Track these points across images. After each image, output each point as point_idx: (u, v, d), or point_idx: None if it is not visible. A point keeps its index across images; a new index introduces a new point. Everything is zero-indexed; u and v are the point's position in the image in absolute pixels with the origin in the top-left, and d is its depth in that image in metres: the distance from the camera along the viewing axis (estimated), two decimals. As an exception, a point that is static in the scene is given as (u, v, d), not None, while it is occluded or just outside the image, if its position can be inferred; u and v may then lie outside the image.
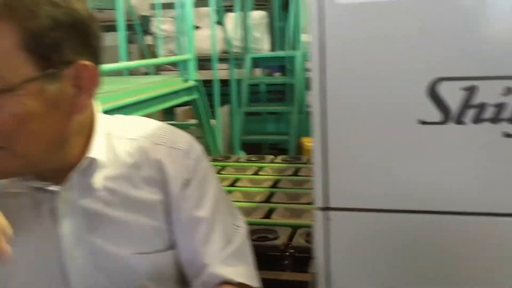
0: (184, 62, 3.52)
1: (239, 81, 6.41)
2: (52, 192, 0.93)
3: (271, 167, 3.19)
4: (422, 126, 1.13)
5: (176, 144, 1.04)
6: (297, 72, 5.81)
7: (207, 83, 4.73)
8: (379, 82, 1.15)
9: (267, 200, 2.59)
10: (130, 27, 4.89)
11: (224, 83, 6.13)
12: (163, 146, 1.02)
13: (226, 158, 3.30)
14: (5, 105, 0.80)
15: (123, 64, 3.02)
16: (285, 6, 6.71)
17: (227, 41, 4.99)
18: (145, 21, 4.53)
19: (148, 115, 4.90)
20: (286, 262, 1.97)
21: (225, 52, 6.10)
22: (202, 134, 4.27)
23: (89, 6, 0.91)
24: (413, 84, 1.13)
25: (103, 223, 0.96)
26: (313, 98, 1.19)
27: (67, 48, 0.85)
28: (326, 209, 1.22)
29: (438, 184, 1.15)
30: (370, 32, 1.14)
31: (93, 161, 0.95)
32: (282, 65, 6.64)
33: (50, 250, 0.94)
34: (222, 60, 6.78)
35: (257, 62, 7.17)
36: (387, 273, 1.23)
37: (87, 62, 0.88)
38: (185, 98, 3.48)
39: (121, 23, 3.28)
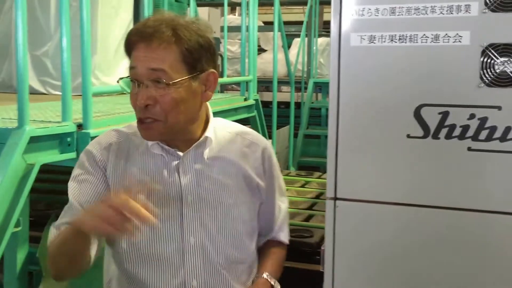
0: (246, 82, 3.97)
1: (299, 104, 6.72)
2: (177, 156, 1.43)
3: (317, 182, 3.58)
4: (408, 139, 1.52)
5: (257, 141, 1.58)
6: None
7: (270, 104, 5.11)
8: (379, 106, 1.54)
9: (309, 208, 2.99)
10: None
11: (286, 105, 6.47)
12: (248, 140, 1.56)
13: None
14: (169, 93, 1.31)
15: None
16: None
17: (287, 64, 5.40)
18: (216, 42, 5.02)
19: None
20: (318, 257, 2.33)
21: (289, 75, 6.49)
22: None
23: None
24: (404, 108, 1.51)
25: (207, 181, 1.45)
26: (330, 118, 1.59)
27: (204, 61, 1.37)
28: (335, 199, 1.61)
29: (418, 183, 1.52)
30: (374, 67, 1.54)
31: (207, 138, 1.45)
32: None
33: (175, 194, 1.42)
34: (285, 83, 7.15)
35: (320, 86, 7.49)
36: (382, 261, 1.59)
37: (213, 70, 1.40)
38: (245, 115, 3.92)
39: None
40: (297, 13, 11.31)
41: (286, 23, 6.08)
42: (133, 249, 1.39)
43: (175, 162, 1.43)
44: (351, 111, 1.57)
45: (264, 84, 7.56)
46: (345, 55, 1.55)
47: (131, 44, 1.33)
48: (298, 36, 7.08)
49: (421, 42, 1.47)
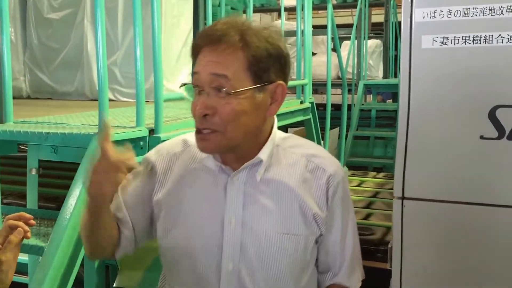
0: (302, 85, 4.00)
1: (350, 106, 6.70)
2: (228, 173, 1.29)
3: (372, 181, 3.59)
4: (482, 140, 1.52)
5: (324, 166, 1.32)
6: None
7: (320, 106, 5.11)
8: (452, 107, 1.56)
9: (367, 206, 3.01)
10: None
11: (336, 107, 6.47)
12: (315, 164, 1.32)
13: None
14: (230, 103, 1.18)
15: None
16: (399, 35, 6.95)
17: (341, 67, 5.40)
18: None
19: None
20: (380, 254, 2.37)
21: (339, 78, 6.47)
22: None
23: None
24: (478, 109, 1.52)
25: (255, 205, 1.27)
26: (400, 119, 1.61)
27: (272, 72, 1.22)
28: (403, 198, 1.62)
29: (490, 183, 1.52)
30: (446, 69, 1.55)
31: (260, 160, 1.28)
32: (394, 92, 6.85)
33: (218, 211, 1.28)
34: (335, 85, 7.14)
35: (370, 88, 7.46)
36: (449, 260, 1.60)
37: (282, 82, 1.24)
38: (300, 118, 3.94)
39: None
40: (344, 16, 11.27)
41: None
42: (174, 269, 1.35)
43: (225, 180, 1.29)
44: (421, 112, 1.59)
45: (314, 87, 7.57)
46: (416, 57, 1.57)
47: (197, 47, 1.24)
48: (346, 39, 7.04)
49: (497, 43, 1.47)
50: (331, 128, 5.66)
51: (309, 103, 4.17)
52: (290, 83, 4.80)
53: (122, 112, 2.52)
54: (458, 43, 1.51)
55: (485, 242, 1.56)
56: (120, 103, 3.37)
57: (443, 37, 1.53)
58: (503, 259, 1.54)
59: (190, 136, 1.36)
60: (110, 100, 3.42)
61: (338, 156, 5.76)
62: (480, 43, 1.48)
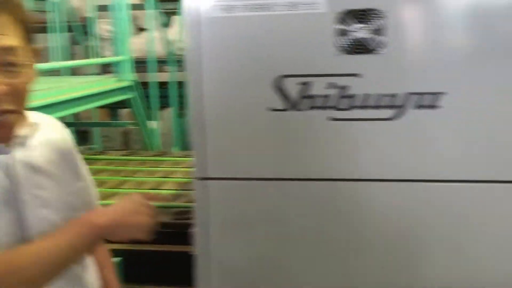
0: (120, 62, 3.77)
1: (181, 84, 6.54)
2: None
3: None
4: (270, 112, 1.46)
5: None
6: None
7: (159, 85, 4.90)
8: (241, 79, 1.47)
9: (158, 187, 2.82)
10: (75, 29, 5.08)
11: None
12: None
13: (163, 153, 3.54)
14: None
15: (55, 64, 3.26)
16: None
17: (169, 43, 5.22)
18: (90, 22, 4.72)
19: (87, 113, 5.10)
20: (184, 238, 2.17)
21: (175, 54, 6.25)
22: (141, 133, 4.52)
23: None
24: (264, 80, 1.45)
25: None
26: (192, 95, 1.49)
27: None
28: (204, 178, 1.52)
29: (283, 156, 1.48)
30: (232, 39, 1.45)
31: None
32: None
33: None
34: (164, 62, 6.94)
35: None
36: (260, 238, 1.54)
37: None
38: (119, 97, 3.72)
39: (56, 24, 3.50)
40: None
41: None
42: None
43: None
44: (215, 85, 1.48)
45: (142, 64, 7.30)
46: (202, 26, 1.46)
47: None
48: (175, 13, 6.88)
49: (278, 11, 1.41)
50: (166, 108, 5.48)
51: (130, 81, 3.95)
52: (105, 59, 4.54)
53: None
54: (241, 11, 1.42)
55: (290, 217, 1.52)
56: None
57: (228, 5, 1.43)
58: (309, 231, 1.51)
59: None
60: None
61: (176, 138, 5.60)
62: (261, 11, 1.41)
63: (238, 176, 1.50)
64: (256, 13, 1.42)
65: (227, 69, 1.47)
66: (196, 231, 1.54)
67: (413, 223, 1.47)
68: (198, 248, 1.54)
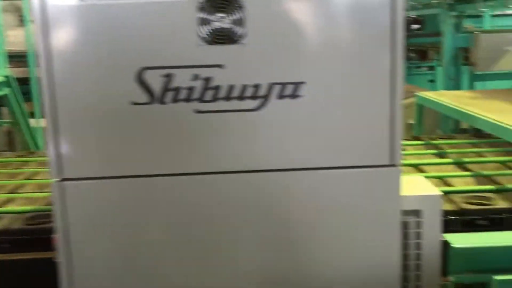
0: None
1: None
2: None
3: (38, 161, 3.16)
4: (134, 106, 1.39)
5: None
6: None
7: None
8: (98, 73, 1.38)
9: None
10: None
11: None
12: None
13: (29, 154, 3.24)
14: None
15: None
16: None
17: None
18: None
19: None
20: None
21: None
22: (19, 131, 4.24)
23: None
24: (125, 72, 1.38)
25: None
26: (44, 93, 1.38)
27: None
28: (61, 180, 1.42)
29: (149, 152, 1.42)
30: (87, 29, 1.36)
31: None
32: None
33: None
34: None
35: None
36: (121, 240, 1.47)
37: None
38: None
39: None
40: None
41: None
42: None
43: None
44: (68, 81, 1.38)
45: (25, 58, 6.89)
46: (50, 17, 1.35)
47: None
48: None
49: (136, 0, 1.34)
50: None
51: (5, 76, 3.69)
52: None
53: None
54: (100, -2, 1.34)
55: (156, 213, 1.46)
56: None
57: (81, -9, 1.34)
58: (175, 230, 1.47)
59: None
60: None
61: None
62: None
63: (98, 175, 1.42)
64: (114, 1, 1.35)
65: (83, 62, 1.38)
66: (57, 236, 1.44)
67: (282, 212, 1.47)
68: (60, 253, 1.44)
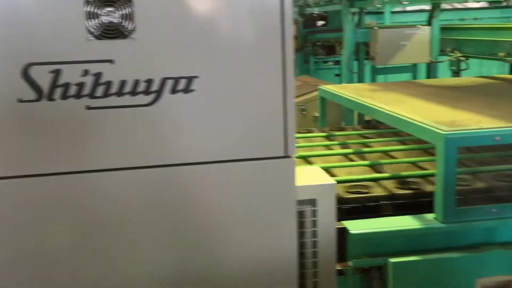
0: None
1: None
2: None
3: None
4: (21, 104, 1.34)
5: None
6: None
7: None
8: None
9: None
10: None
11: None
12: None
13: None
14: None
15: None
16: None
17: None
18: None
19: None
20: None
21: None
22: None
23: None
24: (10, 68, 1.32)
25: None
26: None
27: None
28: None
29: (38, 151, 1.37)
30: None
31: None
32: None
33: None
34: None
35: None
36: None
37: None
38: None
39: None
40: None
41: None
42: None
43: None
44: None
45: None
46: None
47: None
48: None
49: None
50: None
51: None
52: None
53: None
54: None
55: (44, 216, 1.42)
56: None
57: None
58: (61, 232, 1.43)
59: None
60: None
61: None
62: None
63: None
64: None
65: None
66: None
67: (180, 206, 1.47)
68: None
